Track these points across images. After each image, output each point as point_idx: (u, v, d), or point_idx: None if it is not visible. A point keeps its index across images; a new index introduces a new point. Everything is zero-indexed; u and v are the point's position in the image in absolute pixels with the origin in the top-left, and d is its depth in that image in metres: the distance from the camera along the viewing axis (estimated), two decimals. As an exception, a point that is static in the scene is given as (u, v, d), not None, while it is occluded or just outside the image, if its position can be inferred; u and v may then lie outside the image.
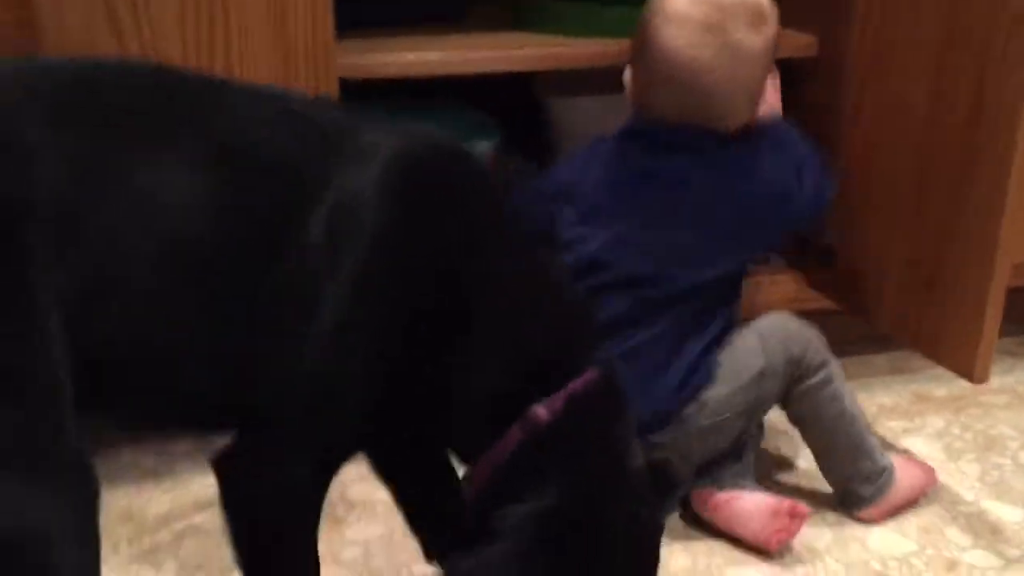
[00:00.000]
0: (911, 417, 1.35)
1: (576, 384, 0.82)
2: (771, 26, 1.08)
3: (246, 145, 0.71)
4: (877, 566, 1.07)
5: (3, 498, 0.59)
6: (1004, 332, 1.56)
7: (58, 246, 0.62)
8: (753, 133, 1.09)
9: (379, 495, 0.99)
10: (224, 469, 0.79)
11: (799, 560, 1.08)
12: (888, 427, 1.32)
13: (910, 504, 1.15)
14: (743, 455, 1.13)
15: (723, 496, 1.09)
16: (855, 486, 1.12)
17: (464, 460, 0.86)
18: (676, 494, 1.09)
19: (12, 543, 0.60)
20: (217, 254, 0.69)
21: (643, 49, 1.07)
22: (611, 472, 0.83)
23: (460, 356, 0.79)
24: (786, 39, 1.29)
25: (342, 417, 0.78)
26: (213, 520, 1.12)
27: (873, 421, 1.33)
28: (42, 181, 0.62)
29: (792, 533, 1.07)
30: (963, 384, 1.39)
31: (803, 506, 1.08)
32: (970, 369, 1.09)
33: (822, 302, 1.35)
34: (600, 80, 1.29)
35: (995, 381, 1.43)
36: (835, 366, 1.11)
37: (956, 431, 1.32)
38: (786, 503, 1.07)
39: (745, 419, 1.09)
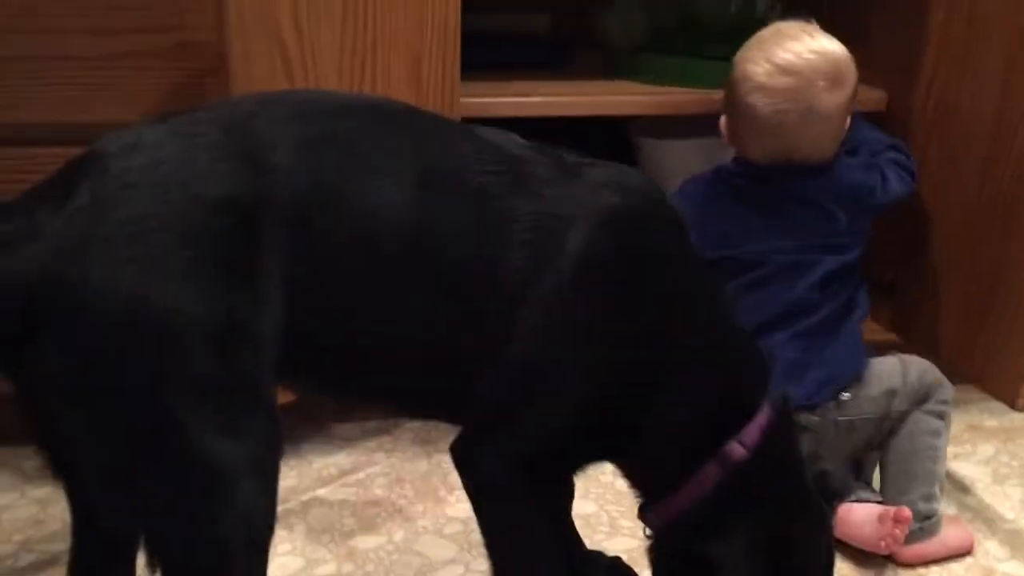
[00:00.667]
0: (962, 444, 1.45)
1: (762, 419, 0.88)
2: (849, 82, 1.20)
3: (455, 172, 0.82)
4: (921, 568, 1.18)
5: (207, 432, 0.72)
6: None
7: (290, 239, 0.74)
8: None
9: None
10: (455, 455, 0.89)
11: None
12: (940, 452, 1.43)
13: (940, 559, 1.19)
14: (862, 473, 1.25)
15: (843, 507, 1.18)
16: None
17: (643, 492, 0.93)
18: (835, 506, 1.17)
19: (208, 467, 0.72)
20: (423, 255, 0.79)
21: (734, 106, 1.21)
22: (804, 500, 0.91)
23: (656, 393, 0.86)
24: (859, 94, 1.43)
25: (547, 420, 0.85)
26: (334, 493, 1.30)
27: (926, 445, 1.44)
28: (282, 188, 0.75)
29: (898, 538, 1.14)
30: (1014, 416, 1.51)
31: (906, 510, 1.14)
32: (1014, 397, 1.20)
33: (885, 335, 1.48)
34: (686, 125, 1.45)
35: (1046, 415, 1.54)
36: (950, 413, 1.22)
37: (1004, 458, 1.42)
38: (892, 510, 1.14)
39: (871, 429, 1.19)
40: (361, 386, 0.88)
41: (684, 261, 0.90)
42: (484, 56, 1.42)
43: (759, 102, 1.17)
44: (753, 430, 0.88)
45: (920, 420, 1.20)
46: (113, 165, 0.72)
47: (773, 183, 1.22)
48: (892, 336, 1.46)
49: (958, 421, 1.51)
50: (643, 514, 0.94)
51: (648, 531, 0.94)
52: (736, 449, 0.87)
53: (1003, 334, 1.22)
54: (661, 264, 0.87)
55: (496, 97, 1.33)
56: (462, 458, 0.88)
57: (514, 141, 0.87)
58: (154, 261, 0.70)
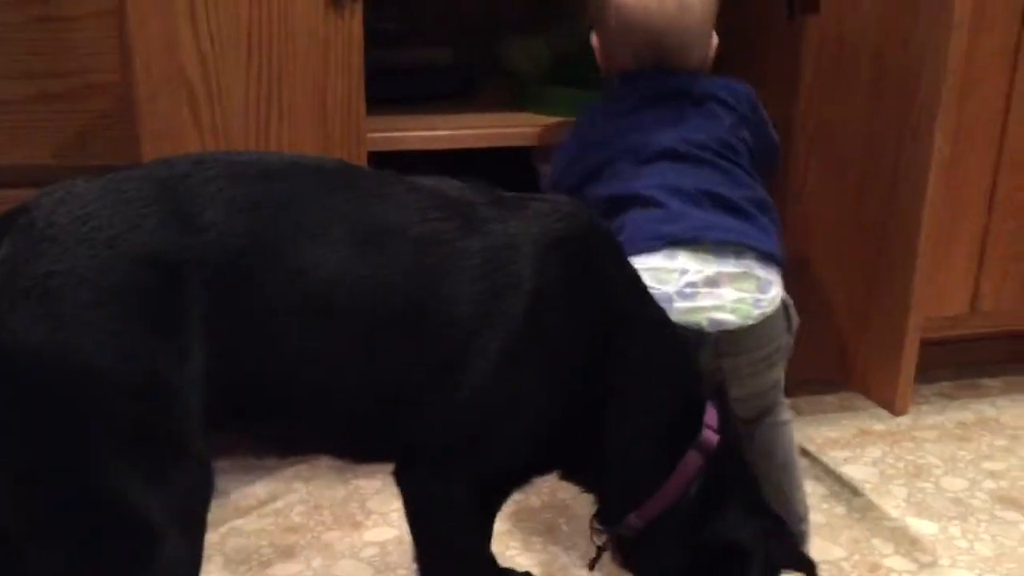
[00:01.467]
0: (852, 448, 1.54)
1: (713, 411, 0.95)
2: None
3: (397, 225, 0.84)
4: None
5: (133, 482, 0.73)
6: (941, 377, 1.79)
7: (219, 297, 0.75)
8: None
9: (395, 504, 1.08)
10: (399, 483, 0.90)
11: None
12: (831, 456, 1.52)
13: None
14: None
15: None
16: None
17: (610, 499, 0.97)
18: None
19: (131, 522, 0.73)
20: (365, 307, 0.81)
21: (602, 14, 1.24)
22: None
23: (615, 405, 0.91)
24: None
25: (504, 446, 0.89)
26: (252, 523, 1.32)
27: (818, 451, 1.53)
28: (212, 247, 0.75)
29: None
30: (900, 421, 1.61)
31: None
32: (892, 402, 1.29)
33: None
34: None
35: (928, 419, 1.64)
36: None
37: (890, 460, 1.52)
38: None
39: (774, 375, 1.16)
40: (301, 436, 0.89)
41: (624, 275, 0.96)
42: (389, 89, 1.46)
43: None
44: (711, 419, 0.95)
45: (788, 430, 1.22)
46: (39, 219, 0.73)
47: (657, 83, 1.23)
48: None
49: (848, 425, 1.61)
50: (607, 520, 0.97)
51: (601, 539, 0.98)
52: (710, 436, 0.94)
53: (880, 344, 1.31)
54: (606, 280, 0.93)
55: (403, 131, 1.37)
56: (413, 485, 0.90)
57: (452, 185, 0.90)
58: (71, 316, 0.70)
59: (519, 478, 0.97)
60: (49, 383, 0.70)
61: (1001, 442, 1.58)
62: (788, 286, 1.51)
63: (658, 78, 1.23)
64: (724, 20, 1.60)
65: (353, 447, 0.93)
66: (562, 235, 0.89)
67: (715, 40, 1.27)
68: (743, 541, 0.93)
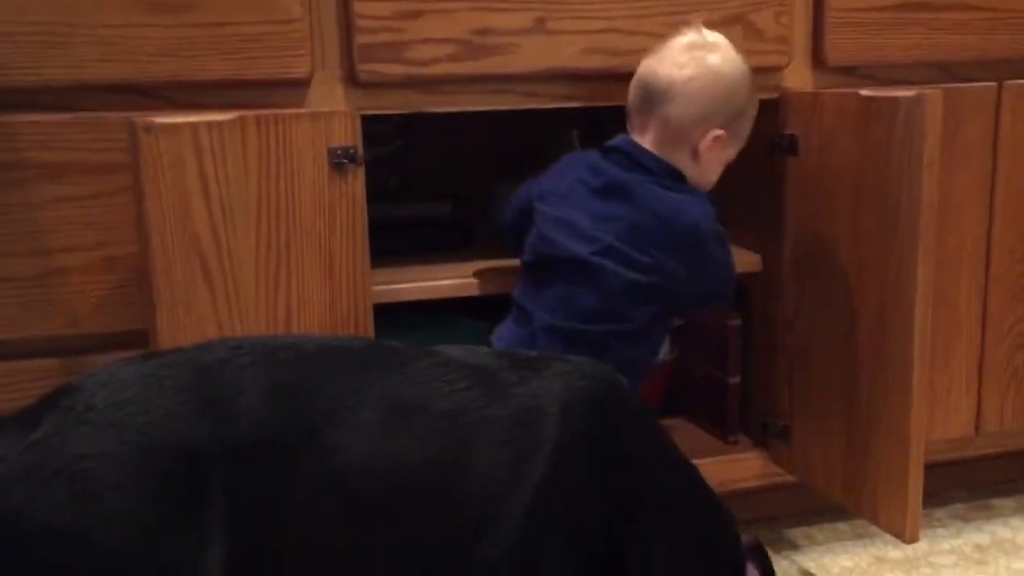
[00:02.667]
0: (869, 576, 1.54)
1: (754, 566, 0.99)
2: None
3: (423, 401, 0.87)
4: None
5: None
6: (954, 499, 1.79)
7: (248, 485, 0.78)
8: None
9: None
10: None
11: None
12: (848, 586, 1.51)
13: None
14: None
15: None
16: None
17: None
18: None
19: None
20: (393, 486, 0.83)
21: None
22: None
23: (642, 563, 0.92)
24: (738, 256, 1.57)
25: None
26: None
27: (835, 581, 1.52)
28: (243, 434, 0.78)
29: None
30: (916, 546, 1.60)
31: None
32: (903, 530, 1.29)
33: (785, 477, 1.57)
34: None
35: (944, 543, 1.63)
36: None
37: (909, 588, 1.51)
38: None
39: None
40: None
41: (651, 429, 0.99)
42: (392, 243, 1.52)
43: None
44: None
45: None
46: (80, 402, 0.76)
47: (625, 163, 1.28)
48: (791, 478, 1.56)
49: (863, 554, 1.60)
50: None
51: None
52: None
53: (884, 471, 1.32)
54: (631, 435, 0.95)
55: (405, 283, 1.42)
56: None
57: (475, 353, 0.95)
58: (96, 499, 0.72)
59: None
60: (72, 565, 0.72)
61: (1018, 565, 1.56)
62: (791, 414, 1.54)
63: (632, 153, 1.27)
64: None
65: None
66: (585, 392, 0.93)
67: (714, 133, 1.27)
68: None
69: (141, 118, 1.14)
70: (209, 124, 1.15)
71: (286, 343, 0.91)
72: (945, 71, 1.54)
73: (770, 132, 1.49)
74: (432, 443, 0.85)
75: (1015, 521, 1.71)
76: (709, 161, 1.30)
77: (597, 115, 1.46)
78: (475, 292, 1.46)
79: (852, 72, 1.50)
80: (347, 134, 1.29)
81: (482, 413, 0.87)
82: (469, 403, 0.87)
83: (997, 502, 1.77)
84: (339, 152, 1.28)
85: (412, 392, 0.87)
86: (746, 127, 1.33)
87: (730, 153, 1.33)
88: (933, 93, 1.21)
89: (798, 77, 1.48)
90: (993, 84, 1.55)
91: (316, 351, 0.89)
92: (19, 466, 0.73)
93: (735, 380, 1.60)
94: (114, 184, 1.25)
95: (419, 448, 0.85)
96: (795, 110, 1.44)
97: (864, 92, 1.30)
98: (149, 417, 0.77)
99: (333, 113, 1.26)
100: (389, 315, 1.39)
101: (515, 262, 1.48)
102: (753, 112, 1.33)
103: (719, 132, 1.28)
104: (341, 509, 0.82)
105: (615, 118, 1.37)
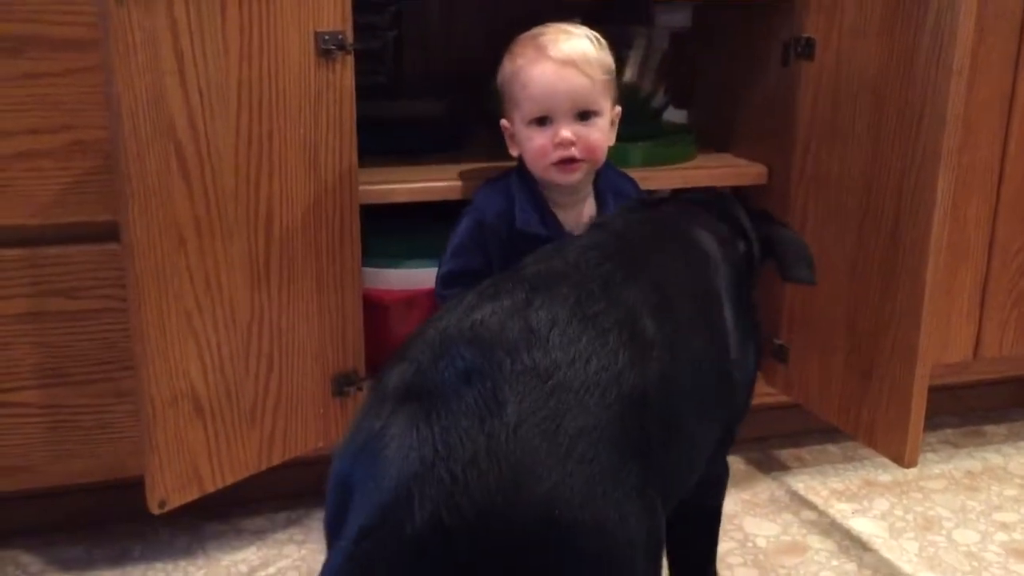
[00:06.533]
0: (859, 500, 1.51)
1: None
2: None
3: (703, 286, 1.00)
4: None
5: None
6: (946, 424, 1.76)
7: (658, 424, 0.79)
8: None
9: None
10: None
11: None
12: (838, 509, 1.48)
13: None
14: None
15: None
16: None
17: None
18: None
19: None
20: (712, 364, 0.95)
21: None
22: None
23: None
24: (743, 169, 1.51)
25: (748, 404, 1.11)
26: (242, 591, 1.27)
27: (824, 503, 1.50)
28: (653, 375, 0.79)
29: None
30: (907, 472, 1.57)
31: None
32: (901, 454, 1.26)
33: (779, 397, 1.54)
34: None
35: (935, 468, 1.61)
36: None
37: (899, 512, 1.48)
38: None
39: None
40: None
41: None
42: (381, 142, 1.45)
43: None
44: None
45: None
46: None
47: None
48: (786, 398, 1.52)
49: (853, 477, 1.58)
50: None
51: None
52: None
53: (885, 393, 1.28)
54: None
55: (394, 183, 1.35)
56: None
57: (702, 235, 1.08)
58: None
59: None
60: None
61: (1011, 492, 1.54)
62: (789, 333, 1.50)
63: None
64: (720, 66, 1.60)
65: None
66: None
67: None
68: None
69: (112, -11, 1.04)
70: (186, -2, 1.06)
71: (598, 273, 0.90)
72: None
73: (784, 36, 1.41)
74: (711, 319, 0.99)
75: (1007, 448, 1.69)
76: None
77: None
78: (467, 195, 1.39)
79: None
80: (337, 18, 1.20)
81: (713, 285, 1.02)
82: (700, 279, 1.02)
83: (989, 428, 1.75)
84: (327, 37, 1.19)
85: (695, 280, 1.01)
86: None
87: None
88: (966, -5, 1.13)
89: (816, -23, 1.39)
90: (1021, -9, 1.47)
91: (659, 266, 0.96)
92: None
93: (733, 296, 1.55)
94: (84, 62, 1.15)
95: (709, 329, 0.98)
96: (814, 10, 1.35)
97: (890, -8, 1.23)
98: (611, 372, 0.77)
99: (322, -7, 1.17)
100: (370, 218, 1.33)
101: (508, 162, 1.42)
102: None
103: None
104: (694, 406, 0.89)
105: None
